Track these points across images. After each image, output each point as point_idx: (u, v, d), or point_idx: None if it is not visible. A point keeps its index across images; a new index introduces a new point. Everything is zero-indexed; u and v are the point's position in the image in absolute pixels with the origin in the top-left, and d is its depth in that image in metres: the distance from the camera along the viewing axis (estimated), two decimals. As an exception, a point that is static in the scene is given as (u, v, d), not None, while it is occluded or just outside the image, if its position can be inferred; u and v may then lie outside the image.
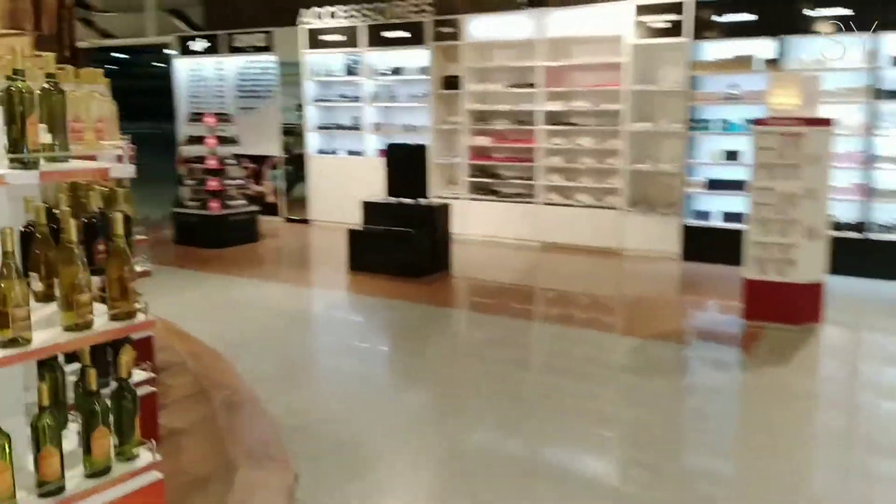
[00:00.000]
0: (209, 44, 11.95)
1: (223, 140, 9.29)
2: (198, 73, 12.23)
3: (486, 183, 9.81)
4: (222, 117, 9.30)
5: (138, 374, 3.30)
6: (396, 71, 10.37)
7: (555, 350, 5.54)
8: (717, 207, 8.38)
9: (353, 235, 7.83)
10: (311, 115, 11.21)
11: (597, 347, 5.55)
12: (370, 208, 7.92)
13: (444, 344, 5.83)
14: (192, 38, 12.14)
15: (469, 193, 9.86)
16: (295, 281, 7.68)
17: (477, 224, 9.74)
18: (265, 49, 11.35)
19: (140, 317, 2.40)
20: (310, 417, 4.10)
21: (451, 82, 9.82)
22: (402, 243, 7.52)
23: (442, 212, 7.87)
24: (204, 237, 9.12)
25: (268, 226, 10.92)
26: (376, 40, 10.29)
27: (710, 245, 8.25)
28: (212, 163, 9.02)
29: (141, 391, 3.28)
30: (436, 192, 9.76)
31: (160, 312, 6.15)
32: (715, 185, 8.30)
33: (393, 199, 7.82)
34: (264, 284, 7.47)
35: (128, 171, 2.44)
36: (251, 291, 7.18)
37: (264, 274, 7.93)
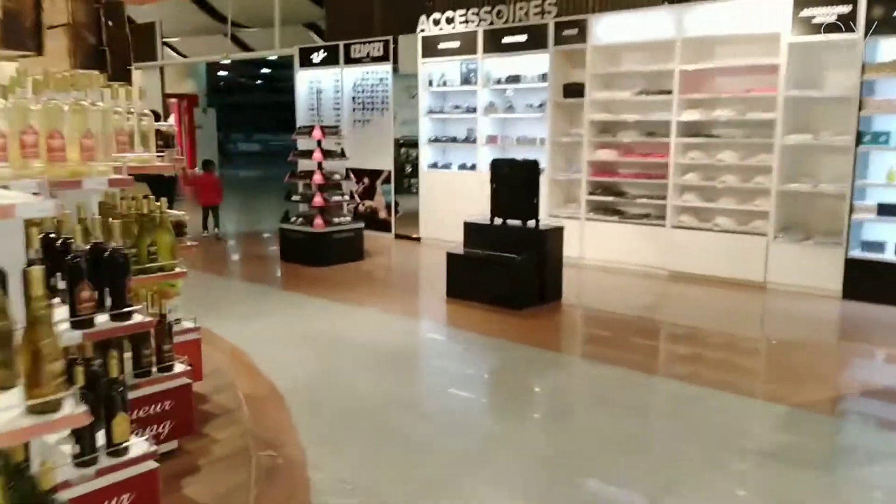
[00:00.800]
0: (326, 54, 11.74)
1: (330, 154, 8.91)
2: (317, 84, 12.07)
3: (609, 202, 8.78)
4: (330, 130, 8.91)
5: (137, 447, 2.72)
6: (514, 79, 9.58)
7: (680, 419, 4.51)
8: (892, 238, 6.91)
9: (453, 260, 7.10)
10: (425, 128, 10.66)
11: (733, 417, 4.45)
12: (472, 230, 7.18)
13: (543, 403, 4.93)
14: (315, 50, 11.98)
15: (589, 213, 8.87)
16: (387, 307, 7.03)
17: (596, 248, 8.74)
18: (382, 59, 10.94)
19: (66, 408, 1.76)
20: (361, 496, 3.38)
21: (574, 90, 8.89)
22: (504, 270, 6.71)
23: (553, 236, 6.98)
24: (308, 255, 8.77)
25: (377, 243, 10.47)
26: (494, 46, 9.56)
27: (881, 282, 6.82)
28: (317, 178, 8.64)
29: (143, 467, 2.72)
30: (551, 211, 8.88)
31: (243, 338, 5.77)
32: (890, 210, 6.83)
33: (498, 221, 7.03)
34: (355, 310, 6.89)
35: (43, 208, 1.82)
36: (339, 318, 6.62)
37: (357, 297, 7.36)
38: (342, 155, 9.01)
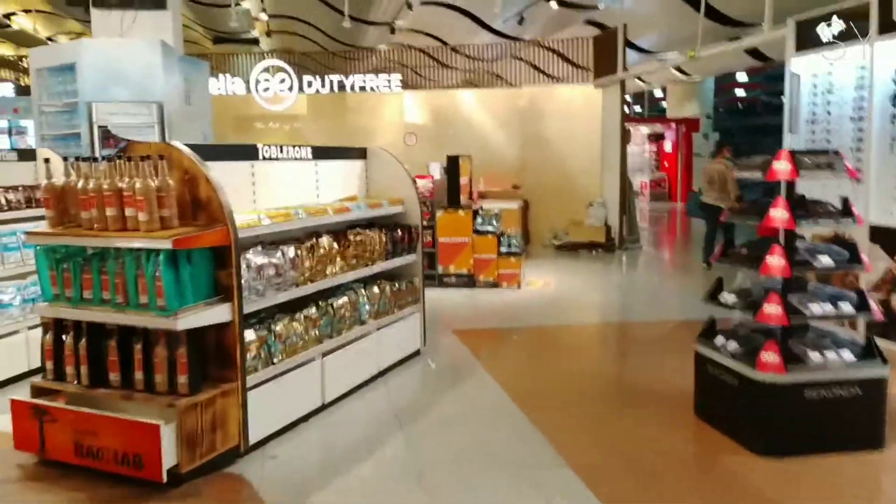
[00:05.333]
0: (844, 26, 6.64)
1: (813, 210, 4.13)
2: (824, 79, 7.06)
3: None
4: (815, 160, 4.10)
5: None
6: None
7: None
8: None
9: None
10: None
11: None
12: None
13: None
14: (824, 19, 6.97)
15: None
16: None
17: None
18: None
19: None
20: None
21: None
22: None
23: None
24: (740, 419, 4.13)
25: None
26: None
27: None
28: (775, 262, 3.95)
29: None
30: None
31: None
32: None
33: None
34: None
35: None
36: None
37: None
38: (845, 212, 4.09)
